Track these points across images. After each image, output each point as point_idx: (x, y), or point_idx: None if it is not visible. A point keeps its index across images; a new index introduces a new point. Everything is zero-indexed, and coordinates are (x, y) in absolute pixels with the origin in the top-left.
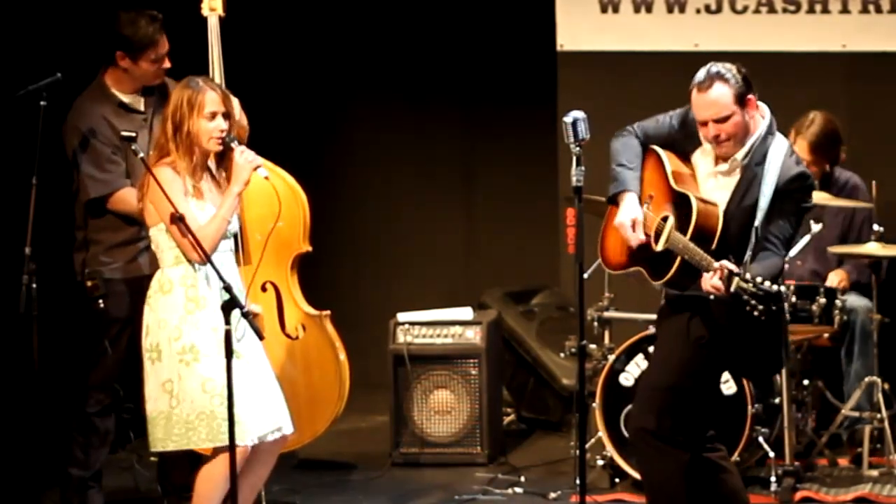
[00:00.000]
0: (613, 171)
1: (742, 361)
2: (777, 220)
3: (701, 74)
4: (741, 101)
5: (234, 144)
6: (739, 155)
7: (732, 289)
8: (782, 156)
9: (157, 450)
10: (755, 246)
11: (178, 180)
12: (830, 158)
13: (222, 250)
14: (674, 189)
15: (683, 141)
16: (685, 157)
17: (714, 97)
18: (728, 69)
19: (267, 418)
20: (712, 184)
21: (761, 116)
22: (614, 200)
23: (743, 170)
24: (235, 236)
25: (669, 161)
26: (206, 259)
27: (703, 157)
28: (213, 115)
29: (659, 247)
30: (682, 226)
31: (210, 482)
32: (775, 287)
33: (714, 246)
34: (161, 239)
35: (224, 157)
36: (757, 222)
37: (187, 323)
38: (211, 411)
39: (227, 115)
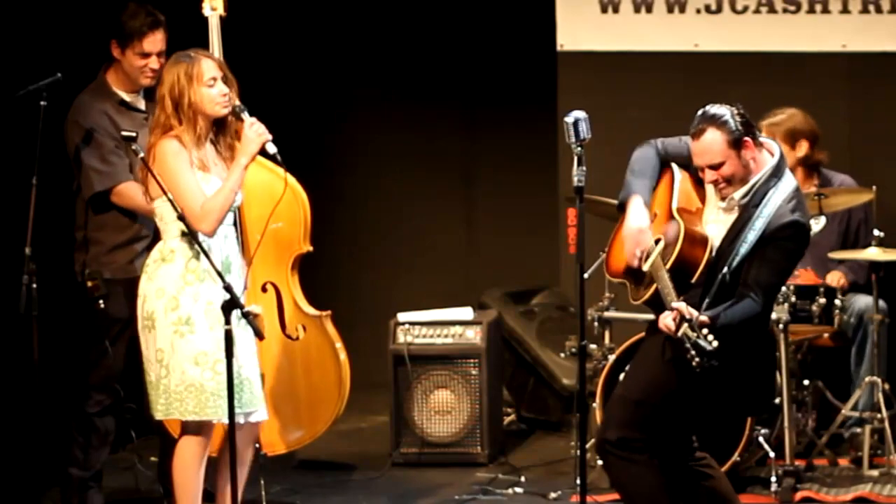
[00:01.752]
0: (626, 179)
1: (721, 396)
2: (760, 266)
3: (696, 119)
4: (736, 145)
5: (245, 115)
6: (738, 195)
7: (679, 333)
8: (780, 201)
9: (158, 418)
10: (720, 289)
11: (183, 152)
12: (792, 144)
13: (226, 223)
14: (672, 214)
15: (697, 168)
16: (700, 184)
17: (706, 144)
18: (724, 112)
19: (243, 401)
20: (714, 216)
21: (770, 154)
22: (622, 206)
23: (741, 209)
24: (237, 212)
25: (682, 183)
26: (210, 233)
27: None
28: (214, 81)
29: (645, 267)
30: (668, 253)
31: (184, 470)
32: (715, 343)
33: (695, 280)
34: (165, 211)
35: (223, 127)
36: (727, 268)
37: (185, 294)
38: (201, 384)
39: (226, 79)
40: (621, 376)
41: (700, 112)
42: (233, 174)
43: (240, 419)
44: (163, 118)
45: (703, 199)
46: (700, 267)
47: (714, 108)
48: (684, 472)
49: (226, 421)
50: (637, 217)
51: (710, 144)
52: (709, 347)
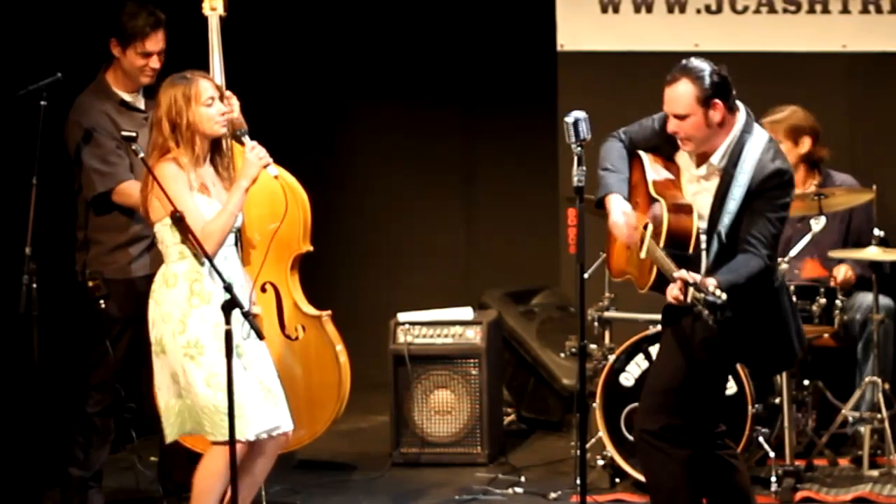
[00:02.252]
0: (598, 176)
1: (750, 355)
2: (755, 220)
3: (676, 66)
4: (705, 103)
5: (246, 139)
6: (715, 159)
7: (689, 300)
8: (758, 154)
9: (170, 440)
10: (720, 251)
11: (182, 175)
12: (794, 141)
13: (227, 244)
14: (651, 196)
15: (666, 143)
16: (670, 159)
17: (676, 94)
18: (704, 67)
19: (267, 416)
20: (695, 188)
21: (737, 110)
22: (602, 205)
23: (721, 173)
24: (238, 232)
25: (652, 166)
26: (211, 255)
27: (685, 159)
28: (212, 100)
29: (642, 255)
30: (658, 233)
31: (208, 478)
32: (724, 296)
33: (692, 250)
34: (166, 235)
35: (219, 148)
36: (721, 226)
37: (192, 317)
38: (215, 406)
39: (223, 99)
40: (621, 376)
41: (683, 61)
42: (233, 197)
43: (275, 433)
44: (160, 140)
45: (675, 171)
46: (693, 235)
47: (696, 62)
48: (710, 460)
49: (245, 438)
50: (618, 208)
51: (680, 95)
52: (719, 301)
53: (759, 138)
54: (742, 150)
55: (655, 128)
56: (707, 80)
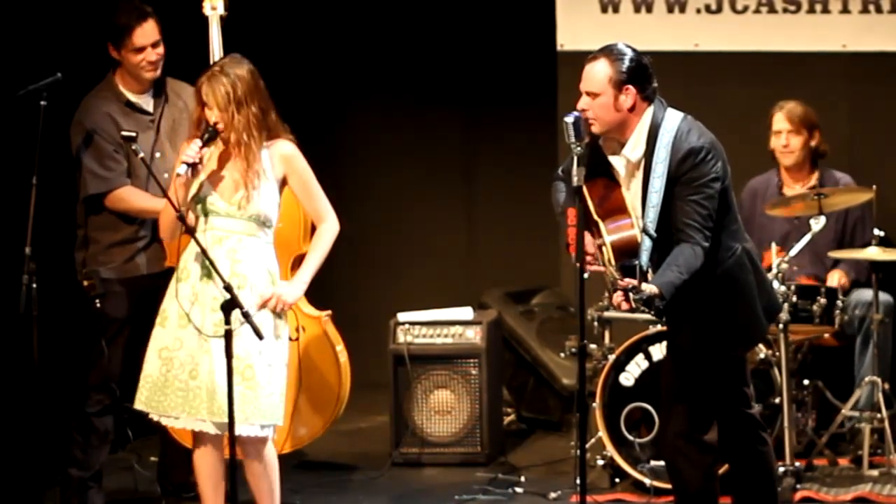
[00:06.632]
0: (559, 222)
1: (716, 334)
2: (681, 207)
3: (602, 47)
4: (618, 86)
5: (194, 142)
6: (627, 150)
7: (634, 305)
8: (671, 138)
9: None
10: (655, 246)
11: None
12: (809, 132)
13: (219, 227)
14: (594, 219)
15: (594, 160)
16: (607, 173)
17: (592, 71)
18: (626, 52)
19: (191, 408)
20: (634, 186)
21: (652, 102)
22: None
23: (644, 165)
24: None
25: (590, 191)
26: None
27: (619, 163)
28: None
29: (609, 284)
30: (609, 252)
31: (198, 479)
32: (654, 289)
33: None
34: None
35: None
36: (648, 221)
37: (171, 288)
38: (154, 378)
39: (205, 105)
40: (621, 376)
41: (610, 43)
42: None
43: (203, 427)
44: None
45: (613, 183)
46: (638, 241)
47: (621, 45)
48: (740, 449)
49: (171, 424)
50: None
51: (595, 73)
52: (652, 292)
53: (671, 123)
54: (657, 139)
55: None
56: (625, 64)
